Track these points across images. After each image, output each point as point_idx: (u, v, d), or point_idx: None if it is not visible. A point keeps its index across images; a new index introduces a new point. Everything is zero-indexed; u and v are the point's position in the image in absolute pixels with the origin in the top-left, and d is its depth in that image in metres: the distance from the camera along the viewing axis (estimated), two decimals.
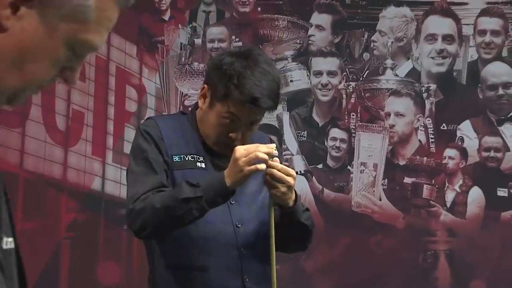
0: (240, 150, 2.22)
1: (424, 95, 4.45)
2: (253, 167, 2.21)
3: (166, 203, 2.24)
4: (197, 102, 2.42)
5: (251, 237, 2.35)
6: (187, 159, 2.34)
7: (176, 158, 2.32)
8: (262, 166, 2.22)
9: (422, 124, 4.44)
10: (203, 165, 2.35)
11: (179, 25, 4.65)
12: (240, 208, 2.36)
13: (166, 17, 4.69)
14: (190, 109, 2.51)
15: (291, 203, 2.31)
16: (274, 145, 2.30)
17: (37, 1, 1.01)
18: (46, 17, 1.01)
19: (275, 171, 2.25)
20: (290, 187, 2.27)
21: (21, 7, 1.00)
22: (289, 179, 2.26)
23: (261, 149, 2.23)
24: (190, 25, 4.66)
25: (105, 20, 1.05)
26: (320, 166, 4.50)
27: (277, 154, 2.28)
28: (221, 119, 2.31)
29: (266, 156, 2.22)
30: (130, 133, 4.48)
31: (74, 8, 1.02)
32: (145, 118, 2.66)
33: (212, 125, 2.34)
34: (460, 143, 4.42)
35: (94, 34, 1.05)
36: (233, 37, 4.58)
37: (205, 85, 2.36)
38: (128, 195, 2.35)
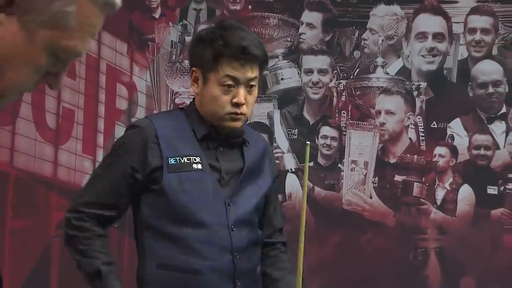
0: None
1: (415, 93, 4.46)
2: None
3: (84, 268, 2.35)
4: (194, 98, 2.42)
5: (244, 241, 2.36)
6: (182, 161, 2.31)
7: (171, 161, 2.29)
8: None
9: (413, 122, 4.45)
10: (199, 166, 2.32)
11: (170, 23, 4.65)
12: (236, 210, 2.36)
13: (157, 15, 4.71)
14: (189, 103, 2.49)
15: None
16: None
17: (16, 8, 1.00)
18: (26, 24, 1.01)
19: None
20: None
21: (0, 14, 1.00)
22: None
23: None
24: (181, 23, 4.67)
25: (88, 26, 1.05)
26: (310, 164, 4.50)
27: None
28: (219, 87, 2.30)
29: None
30: (120, 131, 4.39)
31: (54, 15, 1.02)
32: (144, 117, 2.68)
33: (213, 99, 2.31)
34: (450, 141, 4.43)
35: (76, 41, 1.05)
36: None
37: (193, 68, 2.35)
38: (81, 190, 2.41)
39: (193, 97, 2.45)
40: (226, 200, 2.33)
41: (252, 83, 2.32)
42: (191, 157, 2.31)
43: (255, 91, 2.35)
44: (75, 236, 2.34)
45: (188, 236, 2.29)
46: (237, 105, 2.28)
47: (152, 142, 2.30)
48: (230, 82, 2.28)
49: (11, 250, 4.45)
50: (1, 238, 4.44)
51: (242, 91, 2.29)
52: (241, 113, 2.30)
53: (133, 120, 4.46)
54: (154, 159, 2.30)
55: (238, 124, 2.32)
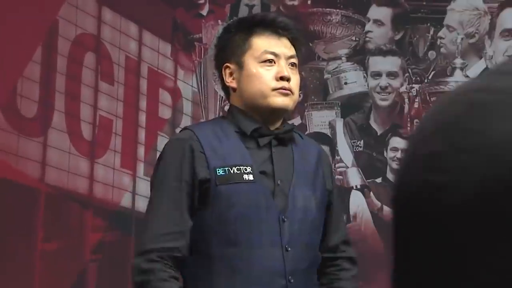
0: None
1: None
2: None
3: None
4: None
5: (300, 263, 2.31)
6: (232, 171, 2.30)
7: (220, 171, 2.28)
8: None
9: None
10: (250, 177, 2.30)
11: (219, 20, 4.69)
12: (291, 227, 2.31)
13: (204, 12, 4.75)
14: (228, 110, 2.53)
15: None
16: None
17: None
18: None
19: None
20: None
21: None
22: None
23: None
24: (231, 20, 4.65)
25: None
26: (378, 180, 4.49)
27: None
28: (259, 65, 2.34)
29: None
30: (163, 143, 4.51)
31: None
32: (182, 128, 2.61)
33: (255, 78, 2.34)
34: None
35: None
36: None
37: (225, 65, 2.39)
38: (143, 234, 2.34)
39: None
40: (280, 215, 2.29)
41: (292, 60, 2.37)
42: (242, 167, 2.31)
43: (298, 75, 2.38)
44: (147, 282, 2.27)
45: (234, 259, 2.27)
46: (282, 79, 2.32)
47: (197, 151, 2.31)
48: (270, 57, 2.33)
49: (42, 275, 4.38)
50: (31, 262, 4.39)
51: (284, 67, 2.34)
52: (289, 89, 2.33)
53: (178, 130, 4.59)
54: (202, 170, 2.30)
55: (287, 101, 2.33)
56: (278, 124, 2.38)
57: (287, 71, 2.32)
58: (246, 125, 2.35)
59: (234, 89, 2.37)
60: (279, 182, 2.33)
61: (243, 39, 2.35)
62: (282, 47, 2.34)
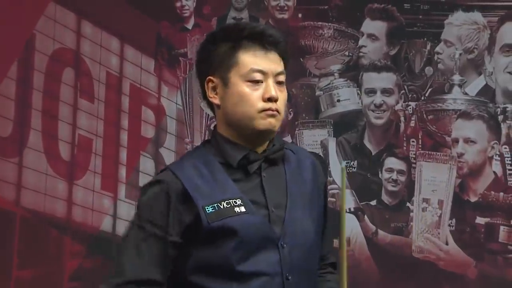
0: None
1: (500, 117, 4.43)
2: None
3: None
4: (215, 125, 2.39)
5: None
6: (222, 206, 2.30)
7: (209, 209, 2.28)
8: None
9: (498, 153, 4.42)
10: (242, 208, 2.29)
11: (205, 34, 4.66)
12: (291, 253, 2.31)
13: (190, 26, 4.77)
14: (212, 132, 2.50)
15: None
16: None
17: None
18: None
19: None
20: None
21: None
22: None
23: None
24: (216, 29, 4.71)
25: None
26: (373, 202, 4.50)
27: None
28: (246, 84, 2.32)
29: None
30: (146, 163, 4.57)
31: None
32: (164, 169, 2.59)
33: (240, 98, 2.32)
34: None
35: None
36: None
37: (208, 78, 2.36)
38: (113, 267, 2.35)
39: None
40: (279, 242, 2.29)
41: (280, 78, 2.36)
42: (231, 200, 2.32)
43: (285, 91, 2.38)
44: None
45: None
46: (270, 100, 2.32)
47: (181, 197, 2.32)
48: (257, 77, 2.33)
49: None
50: None
51: (272, 86, 2.33)
52: (276, 110, 2.33)
53: (162, 150, 4.61)
54: (187, 217, 2.31)
55: (274, 122, 2.33)
56: (265, 145, 2.38)
57: (275, 91, 2.31)
58: (231, 156, 2.34)
59: (218, 106, 2.36)
60: (273, 209, 2.33)
61: (229, 54, 2.33)
62: (270, 63, 2.34)
